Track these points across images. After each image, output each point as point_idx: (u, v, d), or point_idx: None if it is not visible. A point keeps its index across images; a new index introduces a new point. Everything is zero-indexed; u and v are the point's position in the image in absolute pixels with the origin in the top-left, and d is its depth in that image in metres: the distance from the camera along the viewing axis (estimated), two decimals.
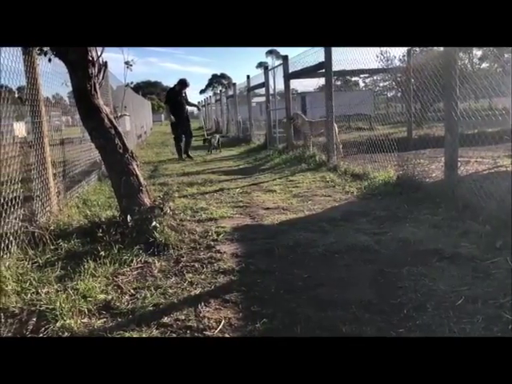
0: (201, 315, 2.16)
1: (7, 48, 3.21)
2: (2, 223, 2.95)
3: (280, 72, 9.31)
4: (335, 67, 6.68)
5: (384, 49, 7.95)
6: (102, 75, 3.53)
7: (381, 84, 13.19)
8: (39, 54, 3.76)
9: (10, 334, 2.04)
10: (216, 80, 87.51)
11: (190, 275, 2.69)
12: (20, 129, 4.06)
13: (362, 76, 13.29)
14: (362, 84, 15.79)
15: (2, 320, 2.15)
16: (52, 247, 3.09)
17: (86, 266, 2.71)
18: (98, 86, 3.44)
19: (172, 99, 9.81)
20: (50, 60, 3.76)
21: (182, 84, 9.96)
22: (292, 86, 9.65)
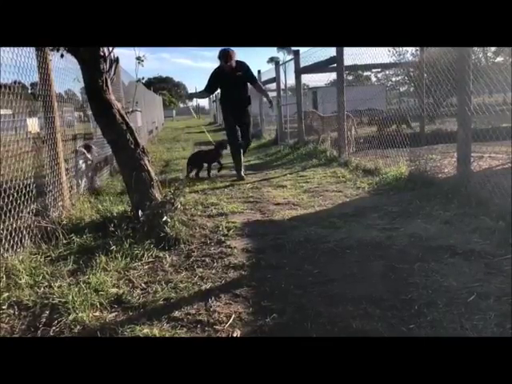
0: (211, 309, 2.18)
1: None
2: (16, 217, 2.98)
3: (291, 67, 9.27)
4: (347, 61, 6.64)
5: None
6: (113, 71, 3.55)
7: (393, 79, 13.09)
8: (52, 50, 3.78)
9: (23, 327, 2.07)
10: None
11: (201, 270, 2.71)
12: (33, 124, 4.10)
13: (374, 70, 13.21)
14: (373, 79, 15.69)
15: (16, 313, 2.19)
16: (64, 241, 3.12)
17: (97, 261, 2.73)
18: (109, 82, 3.46)
19: (215, 83, 6.28)
20: (62, 56, 3.78)
21: (224, 55, 5.94)
22: (303, 81, 9.61)
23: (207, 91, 6.43)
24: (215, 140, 6.73)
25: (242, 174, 6.24)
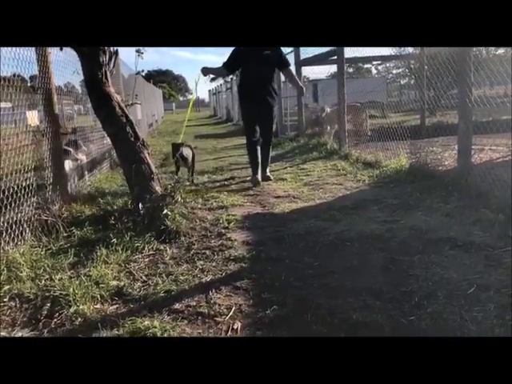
0: (212, 302, 2.18)
1: None
2: (17, 210, 2.99)
3: (291, 59, 9.23)
4: (347, 54, 6.62)
5: None
6: (113, 63, 3.54)
7: (394, 71, 13.04)
8: None
9: (25, 319, 2.08)
10: None
11: (201, 262, 2.71)
12: (33, 117, 4.09)
13: (374, 63, 13.17)
14: (374, 71, 15.65)
15: (18, 305, 2.20)
16: (65, 234, 3.13)
17: (98, 253, 2.74)
18: (109, 74, 3.45)
19: (237, 60, 5.12)
20: (61, 49, 3.77)
21: None
22: (303, 74, 9.57)
23: (226, 68, 5.23)
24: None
25: (259, 177, 5.14)
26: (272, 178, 5.35)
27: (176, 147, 5.19)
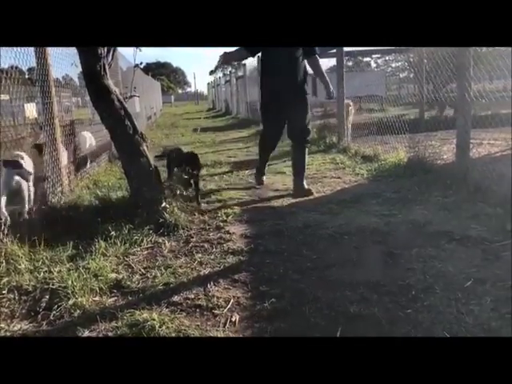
0: (210, 294, 2.19)
1: None
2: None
3: None
4: (346, 47, 6.59)
5: None
6: (111, 56, 3.52)
7: (393, 64, 13.02)
8: None
9: (24, 311, 2.08)
10: None
11: (200, 255, 2.72)
12: (31, 110, 4.08)
13: (373, 56, 13.14)
14: (373, 64, 15.61)
15: (16, 297, 2.20)
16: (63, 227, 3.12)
17: (97, 246, 2.74)
18: (107, 67, 3.43)
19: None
20: None
21: None
22: None
23: (247, 49, 4.30)
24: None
25: (264, 178, 4.78)
26: (313, 192, 4.16)
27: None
